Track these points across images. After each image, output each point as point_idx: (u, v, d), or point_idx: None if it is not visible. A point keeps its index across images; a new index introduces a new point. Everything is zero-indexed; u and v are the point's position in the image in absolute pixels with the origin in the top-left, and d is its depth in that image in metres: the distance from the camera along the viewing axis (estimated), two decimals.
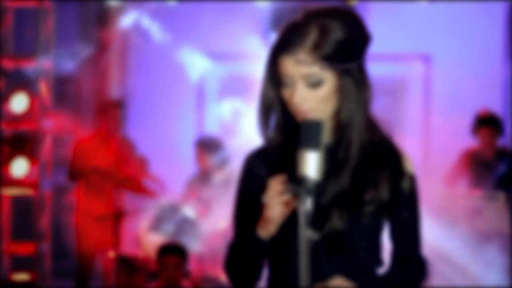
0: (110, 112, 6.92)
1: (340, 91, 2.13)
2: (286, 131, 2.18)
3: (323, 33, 2.08)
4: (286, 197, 2.04)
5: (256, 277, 2.25)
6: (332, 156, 2.18)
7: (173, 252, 5.58)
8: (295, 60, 2.08)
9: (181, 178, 7.17)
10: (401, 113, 8.04)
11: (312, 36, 2.08)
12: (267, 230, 2.11)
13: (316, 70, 2.08)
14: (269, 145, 2.21)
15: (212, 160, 6.75)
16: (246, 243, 2.18)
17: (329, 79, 2.10)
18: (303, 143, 2.03)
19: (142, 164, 7.09)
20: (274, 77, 2.15)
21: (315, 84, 2.09)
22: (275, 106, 2.18)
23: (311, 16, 2.11)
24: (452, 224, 6.48)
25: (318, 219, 2.12)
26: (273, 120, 2.20)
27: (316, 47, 2.07)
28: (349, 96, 2.13)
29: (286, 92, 2.13)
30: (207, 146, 6.81)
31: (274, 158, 2.19)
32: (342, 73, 2.11)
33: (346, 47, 2.10)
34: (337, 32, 2.08)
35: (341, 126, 2.16)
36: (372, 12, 7.61)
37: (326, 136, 2.19)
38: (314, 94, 2.10)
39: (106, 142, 6.87)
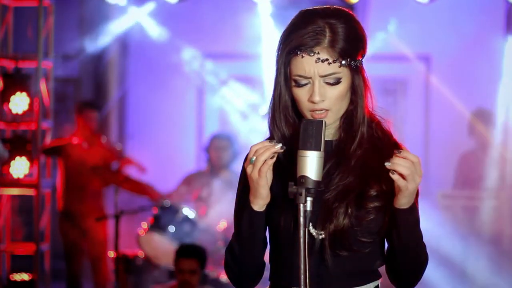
0: (84, 112, 6.93)
1: (353, 88, 2.17)
2: (295, 129, 2.19)
3: (333, 30, 2.11)
4: (269, 152, 2.06)
5: (254, 272, 2.25)
6: (338, 152, 2.20)
7: (190, 255, 5.33)
8: (316, 59, 2.10)
9: (181, 177, 7.18)
10: (402, 112, 8.04)
11: (326, 34, 2.11)
12: (255, 196, 2.12)
13: (336, 67, 2.12)
14: (279, 142, 2.22)
15: (228, 153, 6.83)
16: (241, 219, 2.18)
17: (345, 76, 2.14)
18: (304, 143, 2.04)
19: (119, 152, 7.14)
20: (286, 78, 2.17)
21: (334, 82, 2.13)
22: (289, 106, 2.20)
23: (315, 16, 2.14)
24: (452, 224, 6.49)
25: (323, 215, 2.14)
26: (284, 118, 2.22)
27: (333, 44, 2.11)
28: (361, 93, 2.18)
29: (299, 92, 2.15)
30: (228, 137, 6.95)
31: (279, 156, 2.19)
32: (355, 70, 2.15)
33: (355, 42, 2.14)
34: (343, 29, 2.12)
35: (352, 122, 2.19)
36: (372, 12, 7.61)
37: (332, 132, 2.22)
38: (332, 92, 2.13)
39: (88, 141, 6.89)
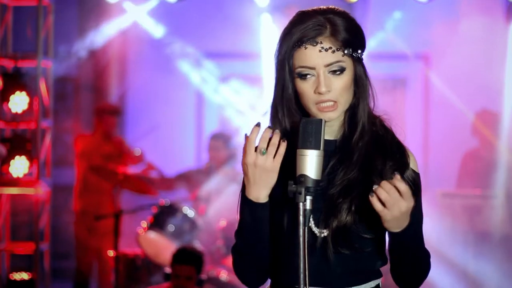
0: (105, 118, 7.02)
1: (355, 80, 2.19)
2: (297, 126, 2.19)
3: (333, 23, 2.15)
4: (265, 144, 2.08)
5: (261, 266, 2.24)
6: (342, 148, 2.21)
7: (187, 261, 5.21)
8: (320, 48, 2.13)
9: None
10: (400, 111, 8.05)
11: (327, 26, 2.15)
12: (265, 185, 2.11)
13: (339, 56, 2.14)
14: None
15: (226, 150, 6.90)
16: (243, 212, 2.18)
17: (348, 66, 2.16)
18: (304, 142, 2.04)
19: (140, 157, 7.20)
20: (290, 72, 2.18)
21: (339, 71, 2.14)
22: (292, 99, 2.21)
23: (314, 13, 2.18)
24: (452, 223, 6.49)
25: (327, 211, 2.14)
26: (287, 112, 2.23)
27: (334, 34, 2.14)
28: (364, 87, 2.20)
29: (304, 85, 2.16)
30: (224, 137, 7.01)
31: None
32: (357, 62, 2.18)
33: (355, 34, 2.17)
34: (343, 22, 2.16)
35: (355, 114, 2.21)
36: (371, 10, 7.61)
37: (336, 130, 2.23)
38: (338, 82, 2.15)
39: (102, 142, 6.98)
